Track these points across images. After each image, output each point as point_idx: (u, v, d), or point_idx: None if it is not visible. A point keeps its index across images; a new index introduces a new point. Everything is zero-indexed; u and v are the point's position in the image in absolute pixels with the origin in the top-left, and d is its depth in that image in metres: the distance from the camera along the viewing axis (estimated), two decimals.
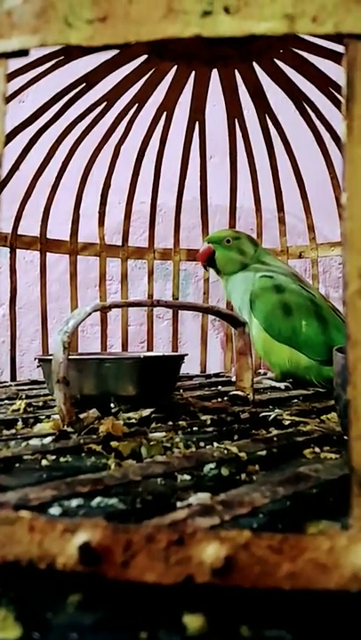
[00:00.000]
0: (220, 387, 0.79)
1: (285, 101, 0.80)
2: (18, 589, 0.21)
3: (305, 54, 0.68)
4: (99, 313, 1.02)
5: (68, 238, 0.98)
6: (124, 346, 1.02)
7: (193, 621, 0.19)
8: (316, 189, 0.97)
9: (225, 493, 0.30)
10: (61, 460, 0.39)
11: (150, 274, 1.05)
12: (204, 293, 1.06)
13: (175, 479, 0.35)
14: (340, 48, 0.65)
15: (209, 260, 0.85)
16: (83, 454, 0.40)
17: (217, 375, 0.96)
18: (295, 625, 0.20)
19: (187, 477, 0.36)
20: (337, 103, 0.75)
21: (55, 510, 0.29)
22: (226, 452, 0.38)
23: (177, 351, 1.05)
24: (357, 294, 0.21)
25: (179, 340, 1.07)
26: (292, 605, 0.20)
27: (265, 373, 0.88)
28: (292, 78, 0.74)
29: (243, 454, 0.38)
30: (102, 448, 0.40)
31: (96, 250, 1.00)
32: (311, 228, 0.98)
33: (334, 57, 0.65)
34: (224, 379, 0.90)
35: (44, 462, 0.38)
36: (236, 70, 0.73)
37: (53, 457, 0.39)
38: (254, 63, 0.71)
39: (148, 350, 1.03)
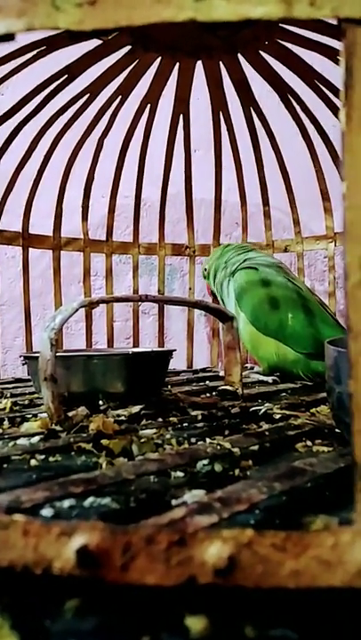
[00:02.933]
0: (207, 382, 0.79)
1: (270, 94, 0.79)
2: (13, 596, 0.20)
3: (290, 46, 0.68)
4: (83, 309, 1.01)
5: (51, 233, 0.96)
6: (110, 342, 1.01)
7: (196, 623, 0.19)
8: (302, 183, 0.97)
9: (221, 490, 0.29)
10: (51, 459, 0.38)
11: (135, 269, 1.04)
12: (190, 288, 1.05)
13: (169, 476, 0.34)
14: (325, 40, 0.64)
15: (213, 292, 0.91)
16: (73, 453, 0.40)
17: (204, 370, 0.95)
18: (300, 624, 0.19)
19: (180, 474, 0.35)
20: (322, 96, 0.75)
21: (47, 512, 0.28)
22: (219, 447, 0.38)
23: (163, 346, 1.04)
24: (358, 286, 0.21)
25: (165, 335, 1.06)
26: (297, 604, 0.20)
27: (252, 367, 0.88)
28: (277, 70, 0.73)
29: (236, 450, 0.38)
30: (93, 446, 0.39)
31: (80, 245, 0.99)
32: (297, 221, 0.98)
33: (320, 49, 0.64)
34: (211, 374, 0.89)
35: (33, 462, 0.37)
36: (220, 62, 0.72)
37: (42, 456, 0.39)
38: (239, 55, 0.70)
39: (134, 346, 1.02)
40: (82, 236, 0.99)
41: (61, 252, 0.97)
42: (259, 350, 0.80)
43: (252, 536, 0.19)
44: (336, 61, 0.66)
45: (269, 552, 0.20)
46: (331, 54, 0.65)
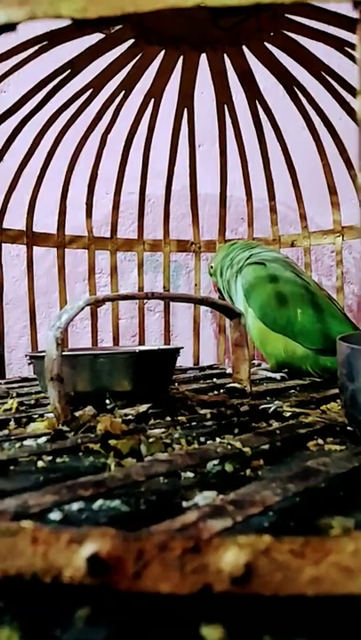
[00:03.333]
0: (215, 379, 0.78)
1: (276, 87, 0.78)
2: (22, 606, 0.20)
3: (295, 37, 0.66)
4: (89, 307, 1.00)
5: (55, 231, 0.96)
6: (116, 340, 1.00)
7: (212, 633, 0.18)
8: (308, 177, 0.95)
9: (234, 492, 0.28)
10: (58, 460, 0.38)
11: (140, 266, 1.03)
12: (196, 284, 1.04)
13: (179, 477, 0.33)
14: (331, 30, 0.63)
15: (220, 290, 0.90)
16: (80, 454, 0.39)
17: (211, 367, 0.95)
18: (320, 632, 0.18)
19: (190, 475, 0.34)
20: (329, 87, 0.74)
21: (56, 515, 0.27)
22: (229, 447, 0.37)
23: (169, 344, 1.03)
24: None
25: (171, 332, 1.06)
26: (317, 612, 0.19)
27: (259, 364, 0.87)
28: (283, 62, 0.72)
29: (247, 449, 0.37)
30: (100, 447, 0.39)
31: (84, 242, 0.98)
32: (303, 216, 0.97)
33: (326, 39, 0.63)
34: (218, 371, 0.88)
35: (40, 464, 0.37)
36: (225, 55, 0.71)
37: (50, 458, 0.38)
38: (244, 47, 0.69)
39: (140, 344, 1.02)
40: (86, 234, 0.99)
41: (66, 249, 0.97)
42: (267, 346, 0.79)
43: (269, 542, 0.19)
44: (343, 52, 0.65)
45: (288, 558, 0.19)
46: (337, 45, 0.64)
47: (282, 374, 0.78)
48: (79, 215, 1.00)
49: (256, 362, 0.92)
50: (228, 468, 0.36)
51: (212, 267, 0.91)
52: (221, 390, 0.66)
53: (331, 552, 0.19)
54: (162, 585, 0.19)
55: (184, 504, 0.30)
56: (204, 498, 0.30)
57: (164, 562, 0.18)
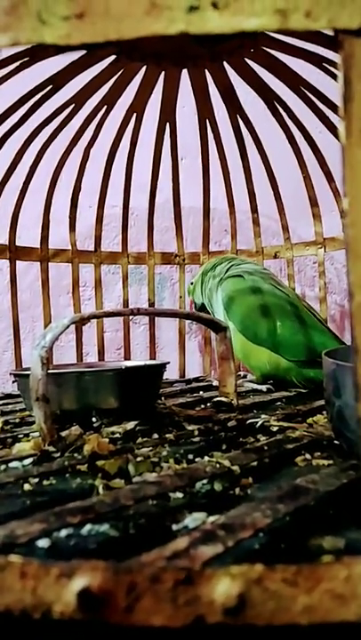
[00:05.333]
0: (201, 392, 0.78)
1: (257, 101, 0.79)
2: None
3: (276, 53, 0.67)
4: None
5: (38, 245, 0.95)
6: (101, 354, 0.99)
7: None
8: (290, 189, 0.97)
9: (224, 515, 0.28)
10: (45, 482, 0.37)
11: (125, 279, 1.02)
12: (181, 297, 1.04)
13: (168, 499, 0.33)
14: (311, 47, 0.64)
15: (197, 308, 0.91)
16: (67, 475, 0.38)
17: (197, 380, 0.94)
18: None
19: (179, 496, 0.34)
20: (309, 102, 0.75)
21: (44, 543, 0.27)
22: (218, 465, 0.37)
23: (155, 357, 1.03)
24: None
25: (156, 345, 1.05)
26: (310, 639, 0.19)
27: (245, 376, 0.87)
28: (263, 78, 0.73)
29: (235, 467, 0.37)
30: (88, 468, 0.38)
31: (68, 256, 0.98)
32: (285, 228, 0.98)
33: (305, 56, 0.64)
34: (204, 383, 0.88)
35: (26, 487, 0.36)
36: (206, 70, 0.72)
37: (36, 480, 0.37)
38: (225, 63, 0.69)
39: (125, 357, 1.01)
40: (70, 247, 0.98)
41: (49, 263, 0.96)
42: (250, 359, 0.79)
43: (262, 571, 0.19)
44: (322, 68, 0.66)
45: (281, 587, 0.19)
46: (316, 61, 0.65)
47: (268, 386, 0.78)
48: (62, 229, 1.00)
49: (242, 373, 0.92)
50: (217, 487, 0.36)
51: (192, 283, 0.92)
52: (208, 404, 0.66)
53: (323, 579, 0.19)
54: (154, 618, 0.18)
55: (174, 527, 0.29)
56: (194, 520, 0.30)
57: (156, 594, 0.18)
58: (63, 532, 0.28)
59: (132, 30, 0.21)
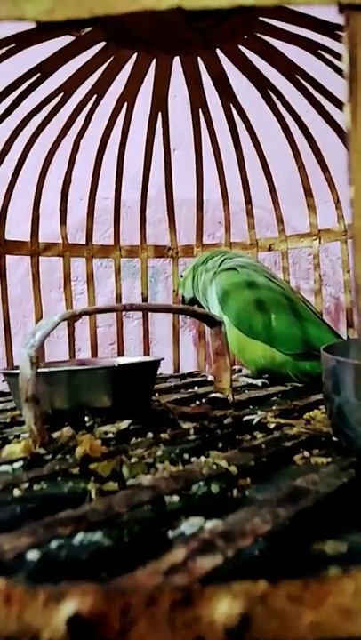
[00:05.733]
0: (196, 387, 0.77)
1: (250, 89, 0.77)
2: None
3: (270, 40, 0.66)
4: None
5: (28, 238, 0.93)
6: (94, 349, 0.98)
7: None
8: (284, 179, 0.95)
9: (223, 520, 0.27)
10: (35, 487, 0.36)
11: (117, 272, 1.01)
12: (174, 290, 1.03)
13: (163, 504, 0.32)
14: (306, 33, 0.63)
15: (185, 302, 0.90)
16: (58, 479, 0.37)
17: (191, 375, 0.93)
18: None
19: (175, 499, 0.33)
20: (303, 90, 0.73)
21: (33, 555, 0.25)
22: (214, 466, 0.36)
23: (149, 351, 1.02)
24: None
25: (150, 339, 1.04)
26: None
27: (239, 370, 0.86)
28: (257, 65, 0.71)
29: (232, 468, 0.35)
30: (80, 471, 0.37)
31: (59, 250, 0.96)
32: (280, 219, 0.96)
33: (300, 42, 0.62)
34: (199, 378, 0.87)
35: (16, 492, 0.35)
36: (198, 58, 0.70)
37: (26, 484, 0.36)
38: (218, 50, 0.67)
39: (118, 353, 0.99)
40: (61, 241, 0.96)
41: (40, 257, 0.94)
42: (245, 353, 0.78)
43: (265, 589, 0.17)
44: (317, 55, 0.64)
45: (285, 605, 0.17)
46: (311, 48, 0.63)
47: (263, 380, 0.77)
48: (52, 222, 0.98)
49: (236, 367, 0.91)
50: (214, 488, 0.34)
51: (181, 275, 0.91)
52: (203, 400, 0.65)
53: (330, 594, 0.18)
54: None
55: (170, 534, 0.28)
56: (191, 525, 0.29)
57: (153, 617, 0.17)
58: (54, 543, 0.27)
59: (122, 5, 0.19)
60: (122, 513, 0.28)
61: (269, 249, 0.99)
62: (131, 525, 0.29)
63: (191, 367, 1.07)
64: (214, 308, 0.81)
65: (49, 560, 0.26)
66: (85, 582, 0.17)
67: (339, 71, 0.68)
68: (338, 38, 0.60)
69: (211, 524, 0.29)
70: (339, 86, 0.73)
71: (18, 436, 0.48)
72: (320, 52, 0.64)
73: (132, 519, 0.30)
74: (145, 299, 1.02)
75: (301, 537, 0.27)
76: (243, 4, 0.18)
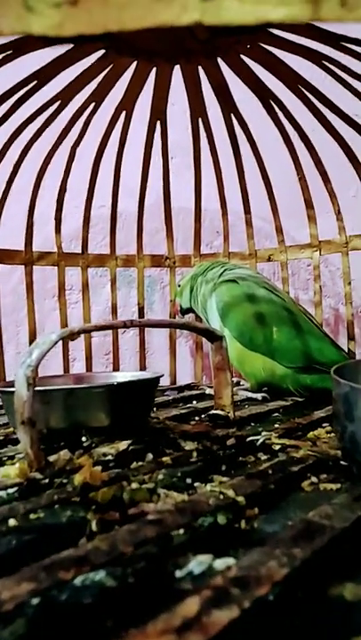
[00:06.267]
0: (195, 401, 0.75)
1: (250, 98, 0.76)
2: None
3: (272, 49, 0.65)
4: (58, 324, 0.96)
5: (22, 247, 0.91)
6: (89, 360, 0.96)
7: None
8: (283, 190, 0.94)
9: (234, 560, 0.25)
10: (32, 517, 0.34)
11: (113, 282, 0.99)
12: (171, 300, 1.01)
13: (170, 538, 0.30)
14: (309, 43, 0.62)
15: (182, 311, 0.90)
16: (56, 506, 0.35)
17: (189, 387, 0.92)
18: None
19: (181, 531, 0.31)
20: (305, 101, 0.72)
21: (34, 600, 0.24)
22: (221, 496, 0.34)
23: (145, 363, 1.00)
24: None
25: (146, 350, 1.02)
26: None
27: (238, 382, 0.85)
28: (259, 74, 0.70)
29: (240, 498, 0.34)
30: (80, 500, 0.35)
31: (54, 259, 0.94)
32: (279, 230, 0.95)
33: (304, 53, 0.62)
34: (197, 391, 0.86)
35: (11, 523, 0.33)
36: (199, 67, 0.69)
37: (23, 512, 0.34)
38: (219, 59, 0.66)
39: (114, 365, 0.98)
40: (55, 250, 0.94)
41: (34, 266, 0.92)
42: (246, 366, 0.77)
43: None
44: (321, 65, 0.63)
45: None
46: (316, 59, 0.62)
47: (263, 394, 0.76)
48: (47, 230, 0.96)
49: (235, 379, 0.90)
50: (221, 520, 0.33)
51: (179, 285, 0.90)
52: (203, 416, 0.64)
53: None
54: None
55: (177, 573, 0.26)
56: (199, 564, 0.27)
57: None
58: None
59: (137, 20, 0.17)
60: (126, 552, 0.26)
61: (269, 259, 0.98)
62: (135, 562, 0.28)
63: (188, 378, 1.05)
64: (214, 320, 0.80)
65: (49, 604, 0.24)
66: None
67: (342, 82, 0.67)
68: (342, 49, 0.59)
69: (220, 563, 0.27)
70: (342, 97, 0.72)
71: (12, 457, 0.46)
72: (324, 62, 0.63)
73: (136, 555, 0.28)
74: (141, 308, 1.00)
75: (318, 578, 0.25)
76: (271, 20, 0.17)
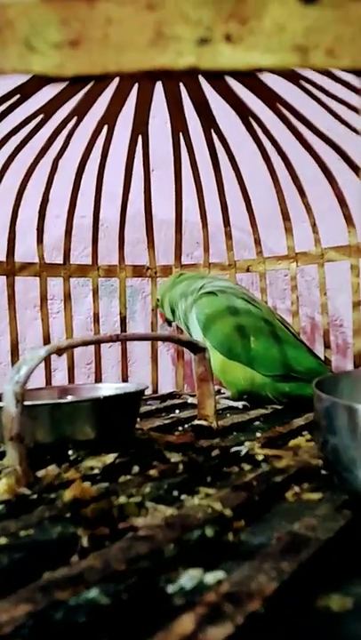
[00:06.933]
0: (177, 411, 0.76)
1: (231, 115, 0.78)
2: None
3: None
4: (40, 334, 0.96)
5: (3, 258, 0.91)
6: (71, 370, 0.96)
7: None
8: (262, 203, 0.96)
9: (224, 574, 0.26)
10: (22, 534, 0.34)
11: (95, 292, 0.99)
12: (153, 309, 1.02)
13: (161, 553, 0.31)
14: None
15: (168, 321, 0.93)
16: (45, 522, 0.36)
17: (171, 396, 0.92)
18: None
19: (170, 546, 0.32)
20: (284, 118, 0.74)
21: (30, 621, 0.24)
22: (210, 510, 0.35)
23: (127, 371, 1.00)
24: None
25: (128, 359, 1.02)
26: None
27: (219, 390, 0.86)
28: (238, 93, 0.72)
29: (227, 511, 0.35)
30: (70, 516, 0.36)
31: (36, 269, 0.94)
32: (258, 241, 0.97)
33: (283, 72, 0.63)
34: (179, 400, 0.86)
35: (1, 541, 0.33)
36: (180, 84, 0.70)
37: (12, 529, 0.34)
38: (200, 77, 0.68)
39: (96, 374, 0.98)
40: (37, 260, 0.94)
41: (15, 277, 0.92)
42: (226, 375, 0.78)
43: None
44: (300, 86, 0.65)
45: None
46: (293, 78, 0.64)
47: (243, 403, 0.78)
48: (28, 240, 0.96)
49: (216, 388, 0.91)
50: (209, 532, 0.34)
51: (158, 299, 0.92)
52: (186, 426, 0.64)
53: None
54: None
55: (169, 589, 0.27)
56: (190, 578, 0.28)
57: None
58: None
59: (134, 63, 0.18)
60: (119, 570, 0.27)
61: (248, 270, 0.99)
62: (127, 577, 0.28)
63: (170, 386, 1.06)
64: (196, 332, 0.81)
65: (44, 623, 0.24)
66: None
67: (317, 100, 0.69)
68: (319, 70, 0.61)
69: (211, 577, 0.28)
70: (318, 115, 0.74)
71: None
72: (301, 82, 0.65)
73: (128, 570, 0.29)
74: (123, 318, 1.01)
75: (304, 591, 0.26)
76: (261, 66, 0.18)
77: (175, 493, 0.40)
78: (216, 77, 0.53)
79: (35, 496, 0.39)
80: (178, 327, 0.93)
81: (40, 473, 0.41)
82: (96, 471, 0.45)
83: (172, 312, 0.89)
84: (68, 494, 0.36)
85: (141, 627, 0.23)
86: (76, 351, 1.02)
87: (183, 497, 0.39)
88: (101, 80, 0.55)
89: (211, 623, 0.21)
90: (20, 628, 0.22)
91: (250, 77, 0.63)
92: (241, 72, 0.18)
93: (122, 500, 0.38)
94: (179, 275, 0.91)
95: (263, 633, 0.23)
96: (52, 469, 0.41)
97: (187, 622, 0.21)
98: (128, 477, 0.43)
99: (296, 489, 0.41)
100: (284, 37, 0.18)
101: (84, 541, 0.32)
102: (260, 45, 0.18)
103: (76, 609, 0.26)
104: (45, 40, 0.19)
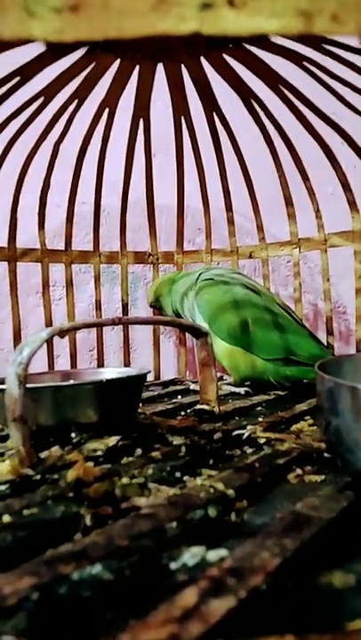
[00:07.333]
0: (180, 396, 0.76)
1: (233, 98, 0.77)
2: None
3: (254, 49, 0.65)
4: (42, 320, 0.96)
5: (5, 244, 0.90)
6: (73, 357, 0.96)
7: None
8: (265, 188, 0.95)
9: (228, 552, 0.26)
10: (26, 513, 0.34)
11: (97, 279, 0.99)
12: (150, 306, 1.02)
13: (164, 532, 0.31)
14: (290, 44, 0.63)
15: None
16: (49, 502, 0.36)
17: (173, 382, 0.92)
18: None
19: (173, 525, 0.32)
20: (286, 100, 0.73)
21: (33, 595, 0.24)
22: (212, 490, 0.35)
23: (129, 358, 1.00)
24: None
25: (130, 345, 1.02)
26: None
27: (221, 377, 0.86)
28: (241, 74, 0.71)
29: (230, 491, 0.35)
30: (72, 496, 0.36)
31: (37, 255, 0.93)
32: (260, 227, 0.97)
33: (286, 54, 0.63)
34: (181, 387, 0.86)
35: (5, 519, 0.33)
36: (182, 65, 0.69)
37: (16, 508, 0.34)
38: (202, 58, 0.67)
39: (98, 360, 0.98)
40: (39, 246, 0.94)
41: (17, 263, 0.92)
42: (228, 360, 0.78)
43: None
44: (302, 67, 0.64)
45: None
46: (296, 60, 0.63)
47: (246, 388, 0.78)
48: (30, 226, 0.95)
49: (219, 374, 0.91)
50: (212, 512, 0.34)
51: (154, 300, 0.90)
52: (189, 411, 0.65)
53: None
54: None
55: (172, 565, 0.27)
56: (193, 556, 0.28)
57: None
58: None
59: (136, 28, 0.18)
60: (123, 546, 0.27)
61: (250, 256, 0.99)
62: (130, 554, 0.28)
63: (172, 373, 1.06)
64: (196, 318, 0.82)
65: (48, 598, 0.24)
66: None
67: (321, 82, 0.68)
68: (322, 50, 0.60)
69: (213, 554, 0.28)
70: (322, 97, 0.73)
71: (2, 454, 0.46)
72: (305, 63, 0.64)
73: (131, 548, 0.29)
74: (125, 305, 1.01)
75: (304, 567, 0.27)
76: (265, 31, 0.18)
77: (178, 475, 0.40)
78: (219, 45, 0.52)
79: (38, 476, 0.39)
80: (178, 315, 0.92)
81: (43, 454, 0.41)
82: (99, 453, 0.45)
83: (177, 316, 0.88)
84: (70, 474, 0.36)
85: (144, 600, 0.23)
86: (79, 338, 1.02)
87: (186, 478, 0.39)
88: (100, 46, 0.53)
89: (214, 596, 0.21)
90: (24, 601, 0.22)
91: (252, 57, 0.62)
92: (244, 38, 0.17)
93: (124, 480, 0.38)
94: (172, 280, 0.89)
95: (266, 607, 0.23)
96: (55, 451, 0.41)
97: (190, 595, 0.21)
98: (130, 459, 0.43)
99: (298, 471, 0.40)
100: (289, 2, 0.18)
101: (87, 520, 0.32)
102: (264, 10, 0.18)
103: (80, 584, 0.26)
104: (45, 5, 0.18)
